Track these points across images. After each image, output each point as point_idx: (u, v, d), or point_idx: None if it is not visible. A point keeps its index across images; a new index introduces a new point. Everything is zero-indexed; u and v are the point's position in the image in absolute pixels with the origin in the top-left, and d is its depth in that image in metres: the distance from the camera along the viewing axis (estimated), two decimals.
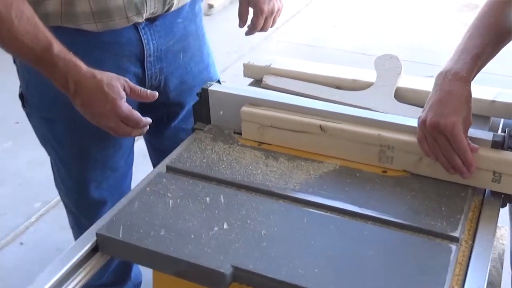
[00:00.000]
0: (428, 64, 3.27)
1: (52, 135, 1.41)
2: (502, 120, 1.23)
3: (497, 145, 0.99)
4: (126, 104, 1.11)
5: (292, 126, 1.14)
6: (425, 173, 1.05)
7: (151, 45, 1.31)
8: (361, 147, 1.09)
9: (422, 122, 1.00)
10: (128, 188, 1.65)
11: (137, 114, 1.12)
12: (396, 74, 1.26)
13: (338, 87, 1.31)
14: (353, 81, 1.31)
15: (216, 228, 0.94)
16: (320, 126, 1.11)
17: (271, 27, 1.56)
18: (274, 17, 1.53)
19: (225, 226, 0.95)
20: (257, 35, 1.51)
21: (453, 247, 0.89)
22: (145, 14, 1.24)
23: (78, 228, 1.64)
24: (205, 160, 1.11)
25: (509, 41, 1.09)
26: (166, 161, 1.13)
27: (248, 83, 1.42)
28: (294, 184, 1.04)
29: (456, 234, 0.91)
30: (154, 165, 1.73)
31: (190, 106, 1.49)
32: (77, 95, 1.09)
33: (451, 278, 0.85)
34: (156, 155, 1.68)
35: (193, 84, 1.49)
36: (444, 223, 0.93)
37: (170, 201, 1.01)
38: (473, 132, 1.02)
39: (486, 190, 1.03)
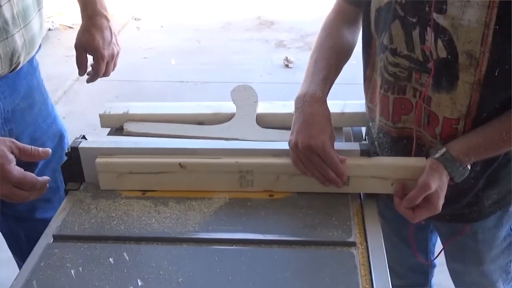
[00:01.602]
0: (240, 82, 3.46)
1: None
2: (351, 128, 1.38)
3: (365, 153, 1.11)
4: (17, 167, 1.03)
5: (151, 169, 1.14)
6: (283, 189, 1.13)
7: None
8: (222, 177, 1.13)
9: (294, 145, 1.08)
10: None
11: (31, 176, 1.04)
12: (254, 102, 1.34)
13: (200, 123, 1.35)
14: (214, 115, 1.36)
15: None
16: (180, 164, 1.13)
17: (112, 71, 1.55)
18: (115, 61, 1.53)
19: (140, 283, 0.93)
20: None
21: (354, 251, 0.99)
22: None
23: None
24: (93, 221, 1.07)
25: (348, 59, 1.23)
26: (51, 230, 1.06)
27: (107, 133, 1.39)
28: (193, 225, 1.05)
29: (352, 239, 1.01)
30: (6, 235, 1.59)
31: (42, 163, 1.41)
32: None
33: (360, 280, 0.94)
34: (8, 222, 1.55)
35: (44, 140, 1.42)
36: (340, 231, 1.02)
37: (72, 271, 0.95)
38: (341, 144, 1.13)
39: (361, 194, 1.14)
